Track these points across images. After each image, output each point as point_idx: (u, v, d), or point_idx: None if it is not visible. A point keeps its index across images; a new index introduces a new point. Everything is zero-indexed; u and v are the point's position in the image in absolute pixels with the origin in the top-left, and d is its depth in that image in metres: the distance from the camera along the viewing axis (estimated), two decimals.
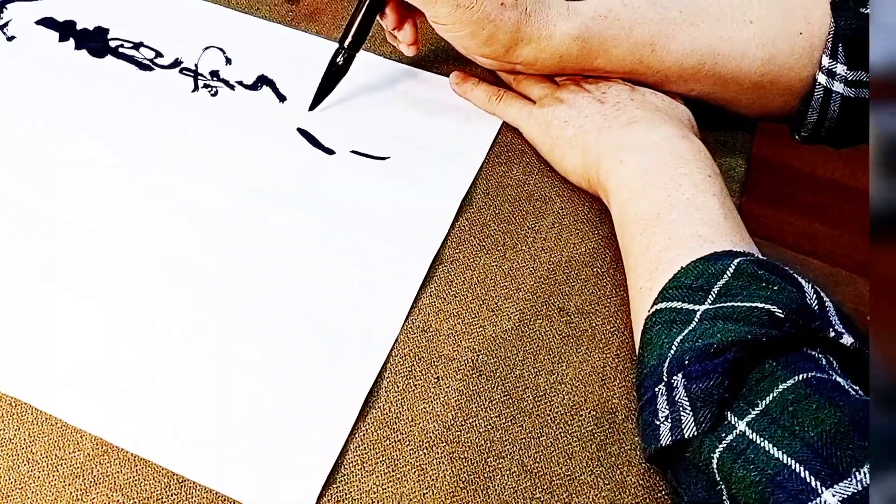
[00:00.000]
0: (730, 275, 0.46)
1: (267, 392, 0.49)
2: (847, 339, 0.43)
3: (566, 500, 0.47)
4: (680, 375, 0.44)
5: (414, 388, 0.51)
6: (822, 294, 0.46)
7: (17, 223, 0.56)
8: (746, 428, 0.41)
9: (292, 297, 0.53)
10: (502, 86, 0.65)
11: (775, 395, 0.41)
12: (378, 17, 0.62)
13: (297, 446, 0.48)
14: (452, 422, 0.49)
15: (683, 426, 0.43)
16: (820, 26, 0.59)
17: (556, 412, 0.50)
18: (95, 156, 0.60)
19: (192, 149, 0.61)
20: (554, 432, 0.49)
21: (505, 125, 0.64)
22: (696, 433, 0.43)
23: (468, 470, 0.48)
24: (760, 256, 0.49)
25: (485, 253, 0.57)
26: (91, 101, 0.63)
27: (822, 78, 0.59)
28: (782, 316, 0.43)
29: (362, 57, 0.63)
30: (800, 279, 0.46)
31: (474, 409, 0.50)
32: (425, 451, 0.48)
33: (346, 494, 0.46)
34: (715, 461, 0.42)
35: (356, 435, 0.48)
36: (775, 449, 0.40)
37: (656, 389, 0.45)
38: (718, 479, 0.42)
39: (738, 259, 0.47)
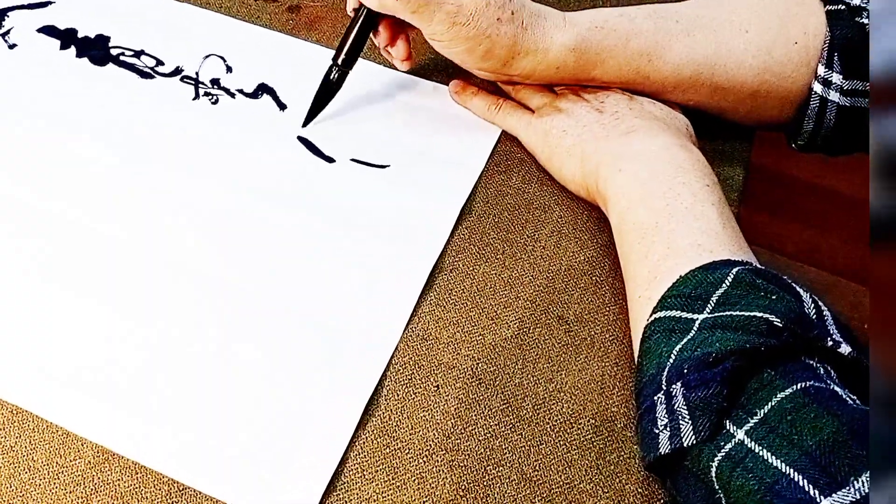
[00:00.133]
0: (728, 284, 0.47)
1: (268, 400, 0.50)
2: (845, 349, 0.43)
3: None
4: (679, 384, 0.44)
5: (414, 395, 0.51)
6: (820, 303, 0.46)
7: (17, 223, 0.56)
8: (745, 437, 0.42)
9: (292, 304, 0.53)
10: (501, 95, 0.65)
11: (774, 404, 0.42)
12: (371, 35, 0.62)
13: (297, 454, 0.48)
14: (452, 430, 0.50)
15: (682, 435, 0.43)
16: (815, 36, 0.59)
17: (556, 420, 0.50)
18: (95, 156, 0.60)
19: (192, 152, 0.61)
20: (553, 440, 0.50)
21: (504, 134, 0.64)
22: (694, 442, 0.43)
23: (468, 478, 0.48)
24: (759, 265, 0.49)
25: (484, 261, 0.57)
26: (91, 103, 0.63)
27: (817, 87, 0.60)
28: (780, 325, 0.43)
29: (361, 66, 0.64)
30: (798, 288, 0.46)
31: (474, 417, 0.50)
32: (425, 458, 0.48)
33: (346, 502, 0.47)
34: (714, 470, 0.42)
35: (356, 443, 0.49)
36: (774, 458, 0.40)
37: (655, 398, 0.45)
38: (717, 487, 0.42)
39: (737, 268, 0.47)
